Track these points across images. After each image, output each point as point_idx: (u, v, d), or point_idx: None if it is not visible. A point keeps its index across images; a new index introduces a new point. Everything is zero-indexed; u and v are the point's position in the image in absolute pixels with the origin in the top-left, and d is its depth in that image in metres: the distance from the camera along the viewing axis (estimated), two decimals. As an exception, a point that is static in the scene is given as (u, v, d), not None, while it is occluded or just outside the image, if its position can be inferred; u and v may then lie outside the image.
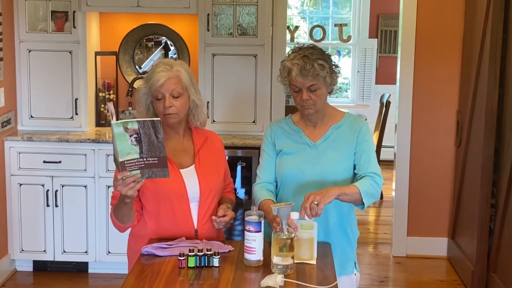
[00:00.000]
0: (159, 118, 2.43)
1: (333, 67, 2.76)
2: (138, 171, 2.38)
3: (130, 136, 2.34)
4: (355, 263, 2.92)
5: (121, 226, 2.69)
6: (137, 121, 2.35)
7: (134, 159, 2.36)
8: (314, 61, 2.68)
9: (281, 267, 2.42)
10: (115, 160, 2.41)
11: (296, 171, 2.78)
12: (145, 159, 2.38)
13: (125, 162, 2.36)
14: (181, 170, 2.74)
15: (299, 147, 2.82)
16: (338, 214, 2.80)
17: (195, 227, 2.75)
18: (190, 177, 2.75)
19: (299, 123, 2.89)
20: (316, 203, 2.50)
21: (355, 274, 2.91)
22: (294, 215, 2.50)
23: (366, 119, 5.96)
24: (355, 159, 2.79)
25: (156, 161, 2.39)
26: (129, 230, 2.81)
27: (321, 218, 2.69)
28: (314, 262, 2.55)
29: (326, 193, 2.56)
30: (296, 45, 2.82)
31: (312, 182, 2.74)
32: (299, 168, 2.78)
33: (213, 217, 2.72)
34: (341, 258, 2.81)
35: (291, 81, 2.73)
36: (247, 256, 2.50)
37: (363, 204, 2.69)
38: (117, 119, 4.45)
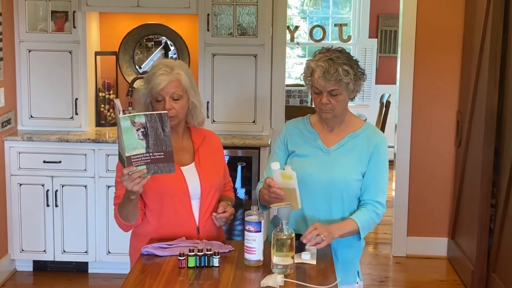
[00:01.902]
0: (166, 111, 2.43)
1: (359, 73, 2.68)
2: (144, 167, 2.39)
3: (137, 130, 2.35)
4: (358, 272, 2.88)
5: (125, 225, 2.70)
6: (144, 114, 2.36)
7: (141, 154, 2.37)
8: (339, 66, 2.62)
9: (281, 267, 2.41)
10: (121, 155, 2.42)
11: (304, 176, 2.71)
12: (151, 154, 2.38)
13: (131, 157, 2.36)
14: (181, 168, 2.75)
15: (312, 151, 2.77)
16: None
17: (197, 224, 2.76)
18: (191, 174, 2.76)
19: (316, 125, 2.83)
20: (321, 237, 2.53)
21: (357, 283, 2.87)
22: (275, 165, 2.51)
23: (366, 119, 5.96)
24: (364, 176, 2.74)
25: (162, 156, 2.39)
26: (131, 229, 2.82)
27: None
28: (310, 257, 2.54)
29: (329, 234, 2.57)
30: (324, 46, 2.74)
31: (319, 188, 2.71)
32: (308, 173, 2.72)
33: (213, 214, 2.75)
34: (344, 268, 2.76)
35: (312, 82, 2.68)
36: (247, 256, 2.50)
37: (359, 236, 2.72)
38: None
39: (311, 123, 2.84)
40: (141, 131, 2.35)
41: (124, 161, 2.39)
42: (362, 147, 2.75)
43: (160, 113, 2.38)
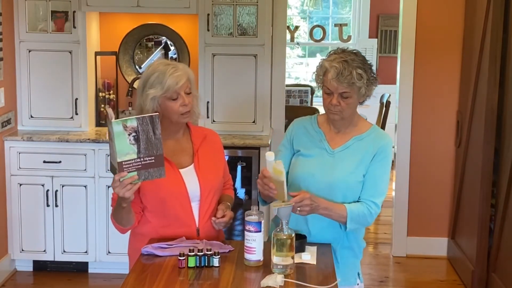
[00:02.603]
0: (157, 113, 2.43)
1: (372, 78, 2.66)
2: (135, 173, 2.38)
3: (129, 135, 2.34)
4: (358, 274, 2.87)
5: (121, 229, 2.70)
6: (136, 118, 2.35)
7: (132, 159, 2.36)
8: (354, 69, 2.59)
9: (281, 267, 2.41)
10: (112, 165, 2.41)
11: (307, 176, 2.72)
12: (142, 159, 2.37)
13: (123, 163, 2.36)
14: (180, 170, 2.74)
15: (316, 151, 2.76)
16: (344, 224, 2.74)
17: (197, 226, 2.75)
18: (190, 176, 2.75)
19: (323, 125, 2.81)
20: (302, 209, 2.54)
21: (358, 284, 2.86)
22: (270, 156, 2.50)
23: (366, 119, 5.95)
24: (365, 175, 2.71)
25: (153, 161, 2.39)
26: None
27: (326, 227, 2.70)
28: (310, 257, 2.54)
29: (315, 208, 2.57)
30: (339, 47, 2.72)
31: (321, 189, 2.69)
32: (311, 173, 2.72)
33: (212, 218, 2.73)
34: (344, 269, 2.75)
35: (324, 82, 2.65)
36: (247, 256, 2.50)
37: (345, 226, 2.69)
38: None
39: (318, 122, 2.83)
40: (133, 136, 2.34)
41: (115, 169, 2.39)
42: (367, 150, 2.72)
43: (151, 115, 2.37)
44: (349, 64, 2.60)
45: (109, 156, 4.47)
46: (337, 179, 2.69)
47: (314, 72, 2.73)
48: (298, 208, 2.55)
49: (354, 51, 2.68)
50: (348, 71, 2.59)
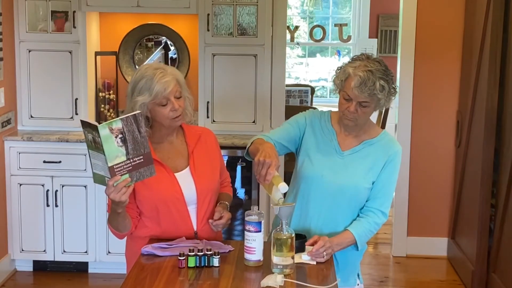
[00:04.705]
0: (139, 111, 2.40)
1: (392, 90, 2.65)
2: (127, 175, 2.37)
3: (116, 137, 2.31)
4: (358, 275, 2.88)
5: (119, 234, 2.68)
6: (120, 119, 2.32)
7: (122, 162, 2.34)
8: (377, 80, 2.56)
9: (281, 267, 2.41)
10: (97, 175, 2.38)
11: (316, 176, 2.70)
12: (132, 160, 2.35)
13: (114, 167, 2.33)
14: (176, 174, 2.70)
15: (326, 150, 2.74)
16: (346, 227, 2.74)
17: (195, 230, 2.73)
18: (185, 180, 2.71)
19: (335, 124, 2.78)
20: (325, 253, 2.54)
21: (358, 285, 2.87)
22: (284, 188, 2.44)
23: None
24: (374, 183, 2.71)
25: (142, 160, 2.38)
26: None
27: (329, 231, 2.70)
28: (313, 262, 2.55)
29: (332, 248, 2.58)
30: (363, 53, 2.69)
31: (329, 191, 2.69)
32: (320, 174, 2.70)
33: (210, 221, 2.71)
34: (344, 270, 2.75)
35: (345, 87, 2.61)
36: (247, 256, 2.50)
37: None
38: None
39: (332, 119, 2.80)
40: (120, 137, 2.31)
41: (101, 180, 2.37)
42: (377, 156, 2.71)
43: (135, 114, 2.35)
44: (373, 74, 2.56)
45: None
46: (347, 183, 2.68)
47: (334, 74, 2.69)
48: (325, 253, 2.54)
49: (377, 60, 2.64)
50: (371, 82, 2.56)
